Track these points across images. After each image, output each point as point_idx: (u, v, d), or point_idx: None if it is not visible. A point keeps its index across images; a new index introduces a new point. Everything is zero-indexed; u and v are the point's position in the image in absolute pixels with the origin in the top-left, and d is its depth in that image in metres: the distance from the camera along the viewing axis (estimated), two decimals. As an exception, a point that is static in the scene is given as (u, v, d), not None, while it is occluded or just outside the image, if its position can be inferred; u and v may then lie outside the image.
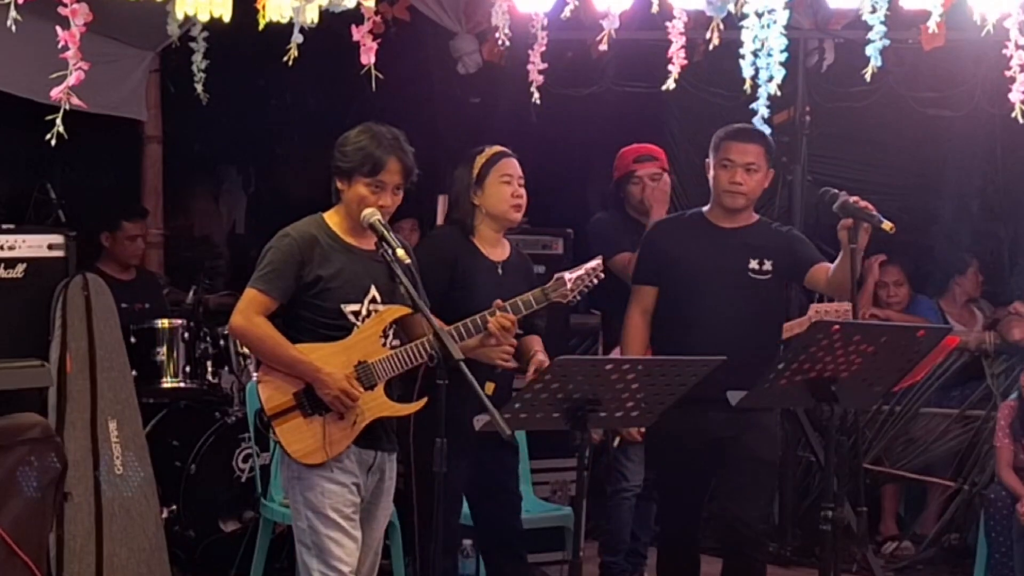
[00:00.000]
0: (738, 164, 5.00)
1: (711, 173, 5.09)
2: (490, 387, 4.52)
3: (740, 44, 4.84)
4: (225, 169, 9.65)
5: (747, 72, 4.92)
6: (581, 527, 4.29)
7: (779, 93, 5.04)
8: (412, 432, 4.54)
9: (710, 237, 5.09)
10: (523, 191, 4.78)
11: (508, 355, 4.52)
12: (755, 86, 4.99)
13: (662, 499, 5.51)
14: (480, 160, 4.76)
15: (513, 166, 4.78)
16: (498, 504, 4.84)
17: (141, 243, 6.95)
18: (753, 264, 5.03)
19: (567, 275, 4.48)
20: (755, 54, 4.88)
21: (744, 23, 4.74)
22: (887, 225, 4.50)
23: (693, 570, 5.21)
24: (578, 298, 4.56)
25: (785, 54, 4.85)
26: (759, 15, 4.68)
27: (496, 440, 4.08)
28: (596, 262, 4.54)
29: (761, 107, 5.12)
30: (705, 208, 5.18)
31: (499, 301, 4.41)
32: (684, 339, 4.89)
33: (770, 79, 4.96)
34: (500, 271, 4.77)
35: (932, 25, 4.46)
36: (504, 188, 4.73)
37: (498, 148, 4.81)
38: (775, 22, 4.71)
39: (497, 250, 4.81)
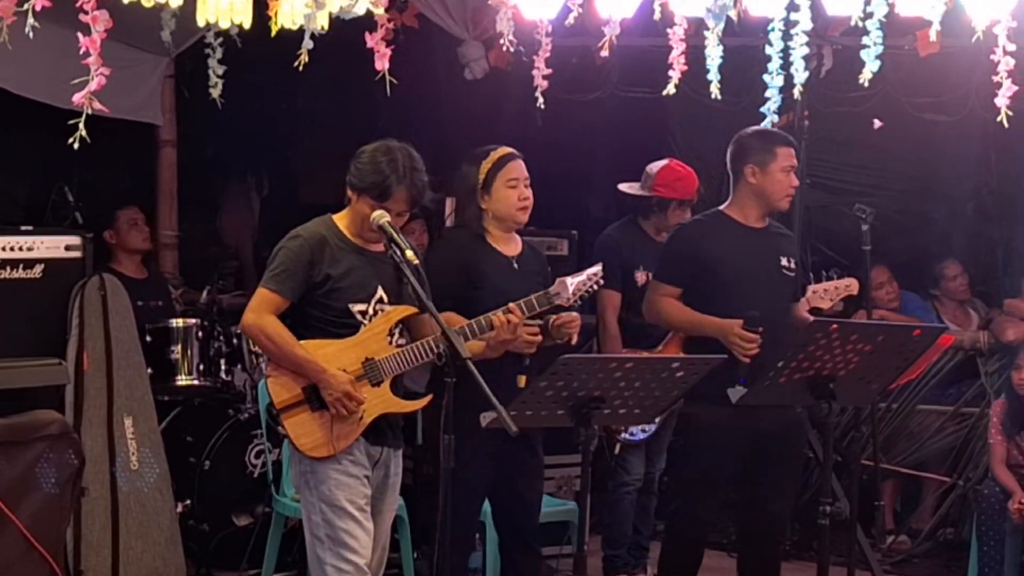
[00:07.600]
0: (793, 169, 5.15)
1: (757, 178, 5.09)
2: (521, 380, 4.61)
3: (757, 54, 4.94)
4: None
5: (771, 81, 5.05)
6: (586, 521, 4.36)
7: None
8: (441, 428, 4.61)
9: (745, 237, 5.12)
10: (529, 192, 4.80)
11: (533, 343, 4.58)
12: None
13: (688, 493, 5.25)
14: (486, 165, 4.77)
15: (518, 168, 4.80)
16: (519, 502, 4.88)
17: (143, 227, 6.97)
18: (784, 262, 5.13)
19: (569, 280, 4.53)
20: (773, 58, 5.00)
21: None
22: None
23: (698, 564, 5.25)
24: (579, 303, 4.61)
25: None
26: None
27: (517, 441, 4.12)
28: (597, 268, 4.59)
29: (770, 113, 5.21)
30: (724, 207, 5.20)
31: (511, 304, 4.46)
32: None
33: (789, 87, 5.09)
34: (516, 265, 4.81)
35: (933, 33, 4.56)
36: (511, 192, 4.76)
37: (503, 151, 4.82)
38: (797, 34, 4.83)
39: (510, 246, 4.85)
